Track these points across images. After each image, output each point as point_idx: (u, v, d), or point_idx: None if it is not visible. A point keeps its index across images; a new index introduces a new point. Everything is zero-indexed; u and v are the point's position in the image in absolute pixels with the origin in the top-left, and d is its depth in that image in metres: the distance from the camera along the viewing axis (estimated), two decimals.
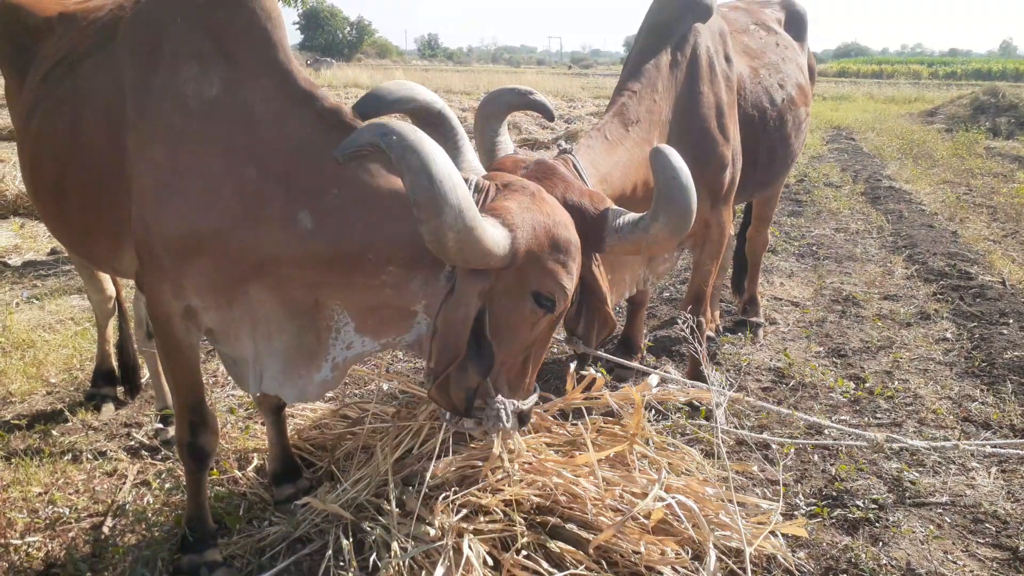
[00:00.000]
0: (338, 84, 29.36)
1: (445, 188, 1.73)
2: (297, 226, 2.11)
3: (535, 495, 2.55)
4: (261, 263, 2.19)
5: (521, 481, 2.62)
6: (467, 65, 73.77)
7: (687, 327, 2.82)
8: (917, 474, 3.23)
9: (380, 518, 2.52)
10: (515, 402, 2.23)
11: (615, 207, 2.52)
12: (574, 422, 3.02)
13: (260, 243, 2.16)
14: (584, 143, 3.01)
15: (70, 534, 2.76)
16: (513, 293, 2.08)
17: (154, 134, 2.22)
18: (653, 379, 3.23)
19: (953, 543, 2.82)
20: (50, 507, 2.90)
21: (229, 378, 4.04)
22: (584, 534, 2.43)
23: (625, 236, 2.44)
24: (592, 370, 3.01)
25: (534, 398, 2.35)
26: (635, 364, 3.35)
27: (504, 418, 2.18)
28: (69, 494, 3.01)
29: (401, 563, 2.30)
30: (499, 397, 2.19)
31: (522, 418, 2.31)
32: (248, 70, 2.17)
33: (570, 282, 2.12)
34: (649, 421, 3.07)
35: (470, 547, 2.30)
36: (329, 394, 3.30)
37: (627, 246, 2.47)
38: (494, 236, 1.88)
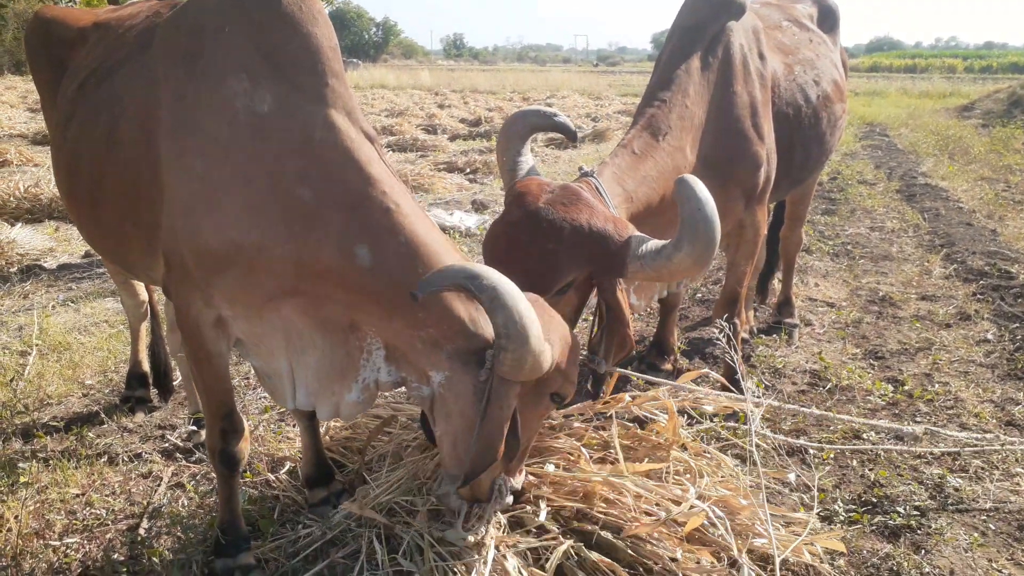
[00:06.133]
0: (364, 85, 29.60)
1: (530, 321, 1.98)
2: (354, 259, 2.12)
3: (572, 502, 2.53)
4: (299, 281, 2.19)
5: (557, 486, 2.61)
6: (493, 64, 73.94)
7: (723, 335, 2.81)
8: (960, 480, 3.15)
9: (413, 523, 2.51)
10: (511, 481, 2.42)
11: (638, 234, 2.58)
12: (602, 426, 2.99)
13: (303, 263, 2.15)
14: (609, 161, 2.99)
15: (107, 536, 2.79)
16: (535, 394, 2.25)
17: (194, 144, 2.20)
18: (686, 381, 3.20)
19: (998, 551, 2.75)
20: (88, 509, 2.94)
21: None
22: (620, 543, 2.40)
23: (647, 264, 2.53)
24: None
25: (523, 477, 2.53)
26: (663, 380, 3.30)
27: (505, 494, 2.38)
28: (106, 496, 3.04)
29: (435, 571, 2.29)
30: (503, 476, 2.36)
31: (517, 495, 2.50)
32: (309, 94, 2.16)
33: (576, 378, 2.35)
34: (683, 428, 3.02)
35: (506, 558, 2.28)
36: None
37: (648, 273, 2.56)
38: (549, 354, 2.10)
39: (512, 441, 2.19)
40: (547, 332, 2.13)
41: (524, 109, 3.04)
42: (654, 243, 2.54)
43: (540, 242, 2.52)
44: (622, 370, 3.08)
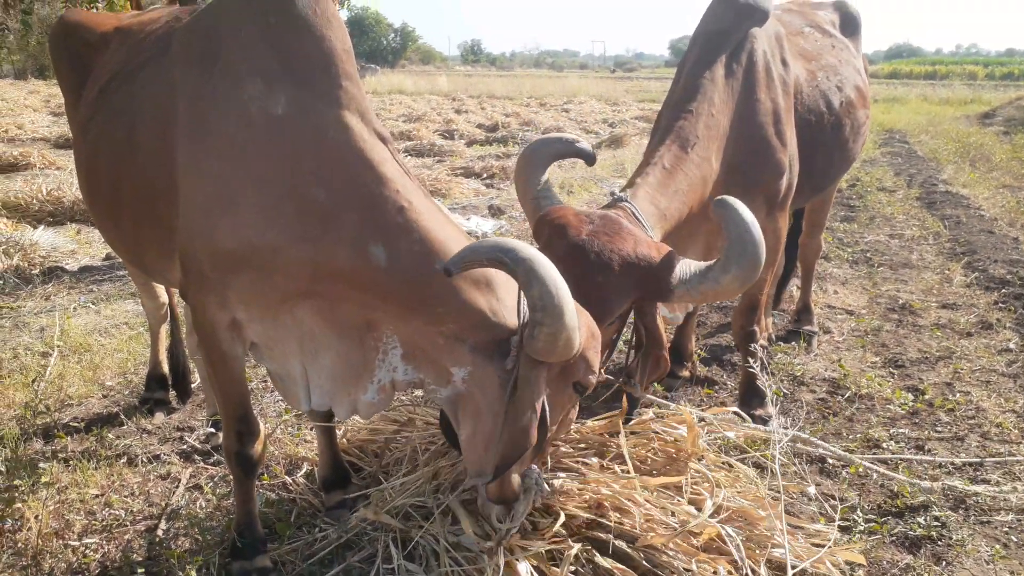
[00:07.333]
0: (383, 90, 29.74)
1: (565, 295, 1.94)
2: (369, 258, 2.12)
3: (585, 512, 2.52)
4: (314, 282, 2.19)
5: (571, 494, 2.59)
6: (510, 70, 74.07)
7: (744, 349, 2.81)
8: (982, 490, 3.10)
9: (429, 527, 2.51)
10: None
11: (682, 259, 2.58)
12: (619, 432, 2.97)
13: (318, 264, 2.16)
14: (641, 181, 2.96)
15: (126, 536, 2.81)
16: (558, 382, 2.23)
17: (209, 146, 2.21)
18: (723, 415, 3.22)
19: (1020, 563, 2.71)
20: (107, 509, 2.96)
21: None
22: (633, 552, 2.38)
23: (694, 287, 2.52)
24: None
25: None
26: (681, 407, 3.25)
27: (544, 487, 2.35)
28: (125, 497, 3.06)
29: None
30: (534, 468, 2.35)
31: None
32: (322, 96, 2.17)
33: (597, 367, 2.29)
34: (702, 438, 3.00)
35: (519, 561, 2.28)
36: None
37: (695, 296, 2.55)
38: (579, 335, 2.05)
39: (542, 428, 2.16)
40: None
41: (544, 137, 3.04)
42: (697, 266, 2.54)
43: (590, 275, 2.50)
44: (655, 397, 3.09)
